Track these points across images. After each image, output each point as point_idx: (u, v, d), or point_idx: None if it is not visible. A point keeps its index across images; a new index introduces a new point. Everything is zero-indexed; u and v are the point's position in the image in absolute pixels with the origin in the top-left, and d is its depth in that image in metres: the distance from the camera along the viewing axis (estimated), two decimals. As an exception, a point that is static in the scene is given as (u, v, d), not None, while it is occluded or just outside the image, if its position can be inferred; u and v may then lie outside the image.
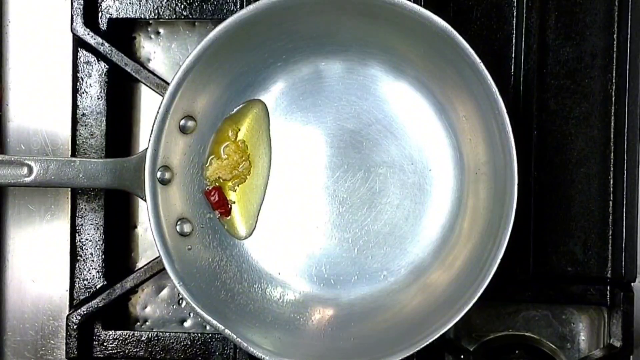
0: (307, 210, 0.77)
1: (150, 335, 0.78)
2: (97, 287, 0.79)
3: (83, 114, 0.79)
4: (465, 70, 0.69)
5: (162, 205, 0.71)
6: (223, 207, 0.75)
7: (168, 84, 0.71)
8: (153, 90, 0.78)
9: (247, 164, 0.76)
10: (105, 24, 0.79)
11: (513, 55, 0.77)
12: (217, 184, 0.75)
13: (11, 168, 0.72)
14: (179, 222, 0.73)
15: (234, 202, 0.76)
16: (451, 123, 0.75)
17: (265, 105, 0.76)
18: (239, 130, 0.76)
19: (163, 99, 0.70)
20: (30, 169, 0.72)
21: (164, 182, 0.72)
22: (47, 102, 0.82)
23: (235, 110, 0.76)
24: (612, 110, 0.77)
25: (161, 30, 0.82)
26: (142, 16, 0.79)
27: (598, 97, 0.78)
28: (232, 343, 0.71)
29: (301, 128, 0.77)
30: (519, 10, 0.77)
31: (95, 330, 0.78)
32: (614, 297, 0.77)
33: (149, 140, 0.71)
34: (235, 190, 0.76)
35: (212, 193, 0.75)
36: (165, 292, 0.82)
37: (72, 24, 0.78)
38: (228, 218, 0.76)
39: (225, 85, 0.74)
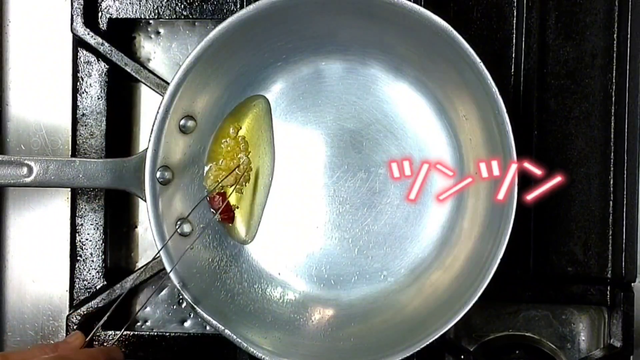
0: (307, 210, 0.77)
1: (150, 335, 0.78)
2: (97, 287, 0.79)
3: (83, 114, 0.79)
4: (465, 70, 0.69)
5: (162, 205, 0.71)
6: (227, 212, 0.75)
7: (168, 84, 0.71)
8: (153, 90, 0.78)
9: (247, 160, 0.76)
10: (105, 24, 0.79)
11: (513, 55, 0.77)
12: (220, 190, 0.75)
13: (11, 168, 0.72)
14: (179, 222, 0.73)
15: (237, 207, 0.76)
16: (451, 123, 0.75)
17: (267, 102, 0.76)
18: (240, 128, 0.76)
19: (163, 99, 0.70)
20: (30, 169, 0.72)
21: (164, 182, 0.72)
22: (47, 102, 0.82)
23: (236, 107, 0.76)
24: (612, 110, 0.77)
25: (161, 30, 0.82)
26: (142, 16, 0.79)
27: (598, 97, 0.78)
28: (232, 343, 0.71)
29: (301, 128, 0.77)
30: (519, 10, 0.77)
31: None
32: (614, 297, 0.77)
33: (149, 140, 0.71)
34: (242, 193, 0.76)
35: (216, 199, 0.75)
36: (165, 292, 0.82)
37: (72, 24, 0.78)
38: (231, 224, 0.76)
39: (225, 85, 0.74)
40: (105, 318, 0.70)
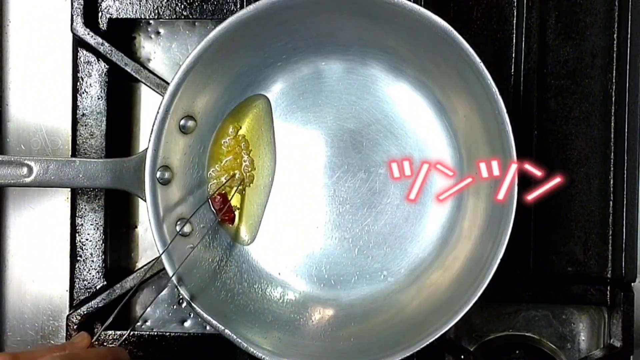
0: (307, 210, 0.77)
1: (150, 335, 0.78)
2: (97, 287, 0.79)
3: (83, 114, 0.79)
4: (465, 70, 0.69)
5: (162, 205, 0.71)
6: (228, 214, 0.75)
7: (168, 84, 0.71)
8: (153, 90, 0.78)
9: (250, 159, 0.76)
10: (105, 24, 0.79)
11: (513, 55, 0.77)
12: (222, 191, 0.75)
13: (11, 168, 0.72)
14: (179, 222, 0.73)
15: (238, 208, 0.76)
16: (451, 123, 0.75)
17: (267, 102, 0.76)
18: (240, 128, 0.76)
19: (163, 99, 0.70)
20: (30, 169, 0.72)
21: (164, 182, 0.72)
22: (47, 102, 0.82)
23: (236, 107, 0.76)
24: (612, 110, 0.77)
25: (161, 30, 0.82)
26: (142, 16, 0.79)
27: (598, 97, 0.78)
28: (232, 343, 0.71)
29: (301, 128, 0.77)
30: (519, 10, 0.77)
31: (95, 330, 0.78)
32: (614, 297, 0.77)
33: (149, 140, 0.71)
34: (243, 193, 0.76)
35: (218, 200, 0.75)
36: (165, 292, 0.82)
37: (72, 24, 0.78)
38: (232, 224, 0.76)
39: (225, 85, 0.74)
40: (110, 319, 0.69)
